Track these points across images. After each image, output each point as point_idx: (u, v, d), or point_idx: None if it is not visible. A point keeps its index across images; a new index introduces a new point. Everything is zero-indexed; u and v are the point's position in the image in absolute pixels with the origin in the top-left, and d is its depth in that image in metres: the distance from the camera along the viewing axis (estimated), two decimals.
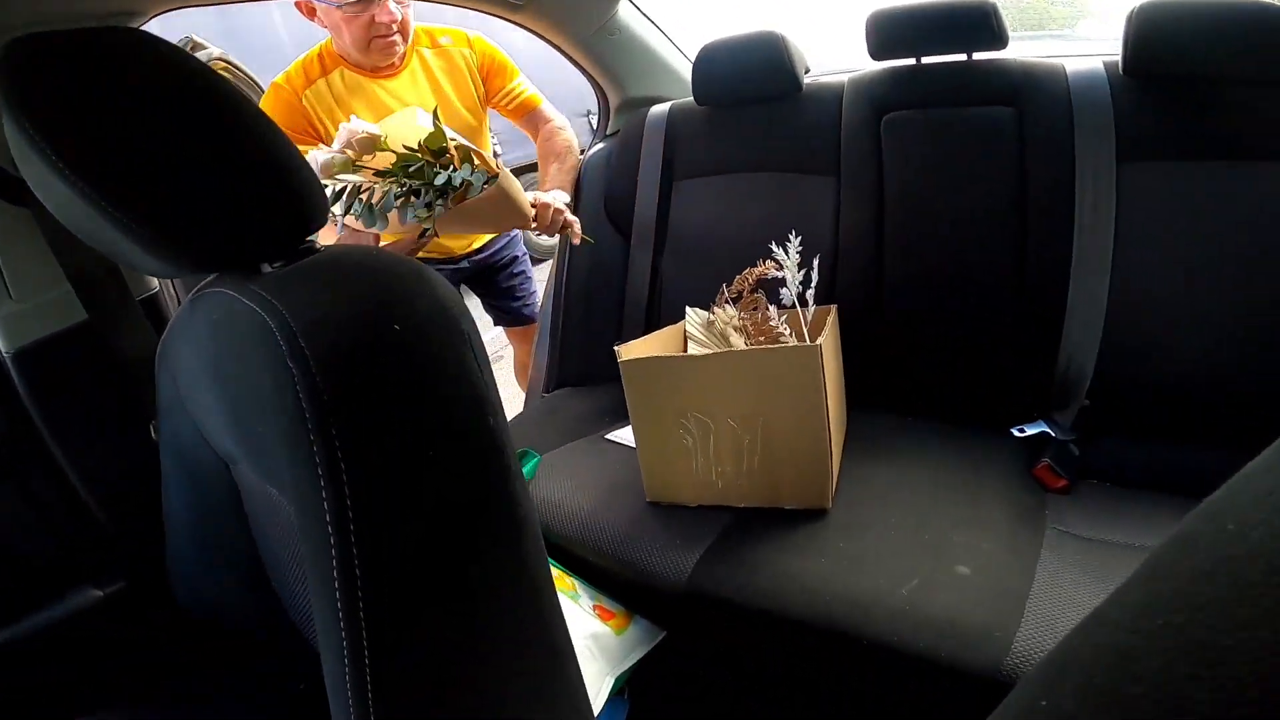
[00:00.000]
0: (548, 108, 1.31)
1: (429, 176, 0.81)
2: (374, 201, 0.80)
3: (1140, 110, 0.90)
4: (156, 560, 0.62)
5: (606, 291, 1.28)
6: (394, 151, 0.82)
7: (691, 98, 1.25)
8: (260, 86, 1.45)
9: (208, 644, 0.63)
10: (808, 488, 0.79)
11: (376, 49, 1.11)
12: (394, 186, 0.80)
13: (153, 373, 0.55)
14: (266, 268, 0.42)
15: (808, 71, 1.18)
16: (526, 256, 1.60)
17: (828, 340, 0.79)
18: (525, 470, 0.95)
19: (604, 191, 1.30)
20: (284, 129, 1.13)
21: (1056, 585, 0.66)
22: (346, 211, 0.80)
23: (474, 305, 1.58)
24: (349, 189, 0.80)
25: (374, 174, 0.81)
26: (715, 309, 0.94)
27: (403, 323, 0.37)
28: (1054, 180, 0.93)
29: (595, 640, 0.76)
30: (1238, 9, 0.82)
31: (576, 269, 1.30)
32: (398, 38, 1.12)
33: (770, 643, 0.72)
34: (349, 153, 0.83)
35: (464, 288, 1.58)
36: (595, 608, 0.80)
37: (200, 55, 1.09)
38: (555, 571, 0.82)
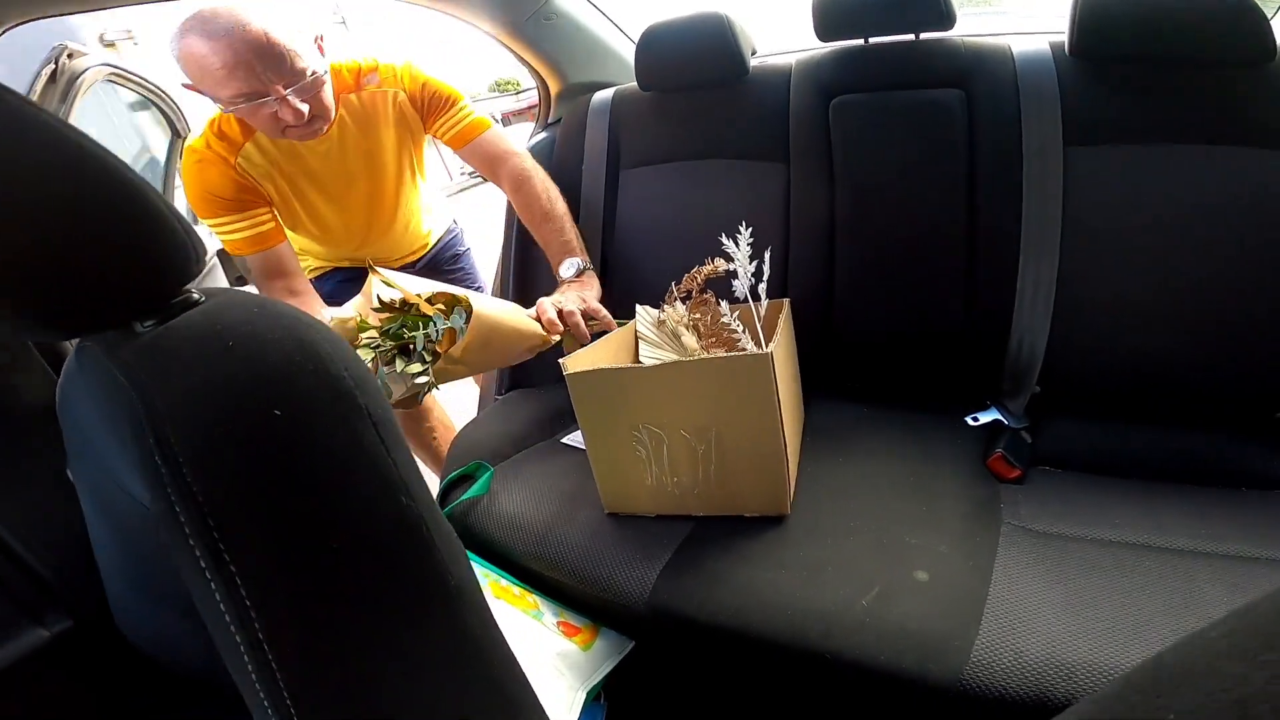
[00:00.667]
0: (496, 135, 1.14)
1: (411, 331, 0.85)
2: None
3: (1086, 93, 0.90)
4: (99, 598, 0.60)
5: (554, 287, 1.23)
6: (372, 326, 0.85)
7: (635, 83, 1.20)
8: (160, 91, 1.35)
9: (158, 684, 0.61)
10: (765, 495, 0.77)
11: (292, 136, 0.99)
12: (379, 355, 0.83)
13: (55, 415, 0.52)
14: (139, 326, 0.38)
15: (754, 53, 1.15)
16: (469, 252, 1.54)
17: (781, 340, 0.77)
18: (477, 485, 0.91)
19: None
20: (225, 198, 1.01)
21: (1012, 587, 0.66)
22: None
23: None
24: None
25: (360, 347, 0.84)
26: (665, 307, 0.91)
27: (284, 404, 0.33)
28: (1002, 164, 0.92)
29: (563, 659, 0.75)
30: None
31: (521, 265, 1.24)
32: (317, 122, 0.98)
33: (735, 658, 0.71)
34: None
35: None
36: (560, 624, 0.78)
37: (80, 64, 1.00)
38: (516, 590, 0.80)
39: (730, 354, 0.74)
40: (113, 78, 1.14)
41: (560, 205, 1.12)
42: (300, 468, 0.32)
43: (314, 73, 0.93)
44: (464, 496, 0.90)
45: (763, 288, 0.82)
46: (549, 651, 0.74)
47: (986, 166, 0.94)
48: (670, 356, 0.88)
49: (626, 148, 1.21)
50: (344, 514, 0.33)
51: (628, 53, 1.37)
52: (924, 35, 1.00)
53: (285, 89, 0.91)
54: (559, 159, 1.25)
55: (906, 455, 0.87)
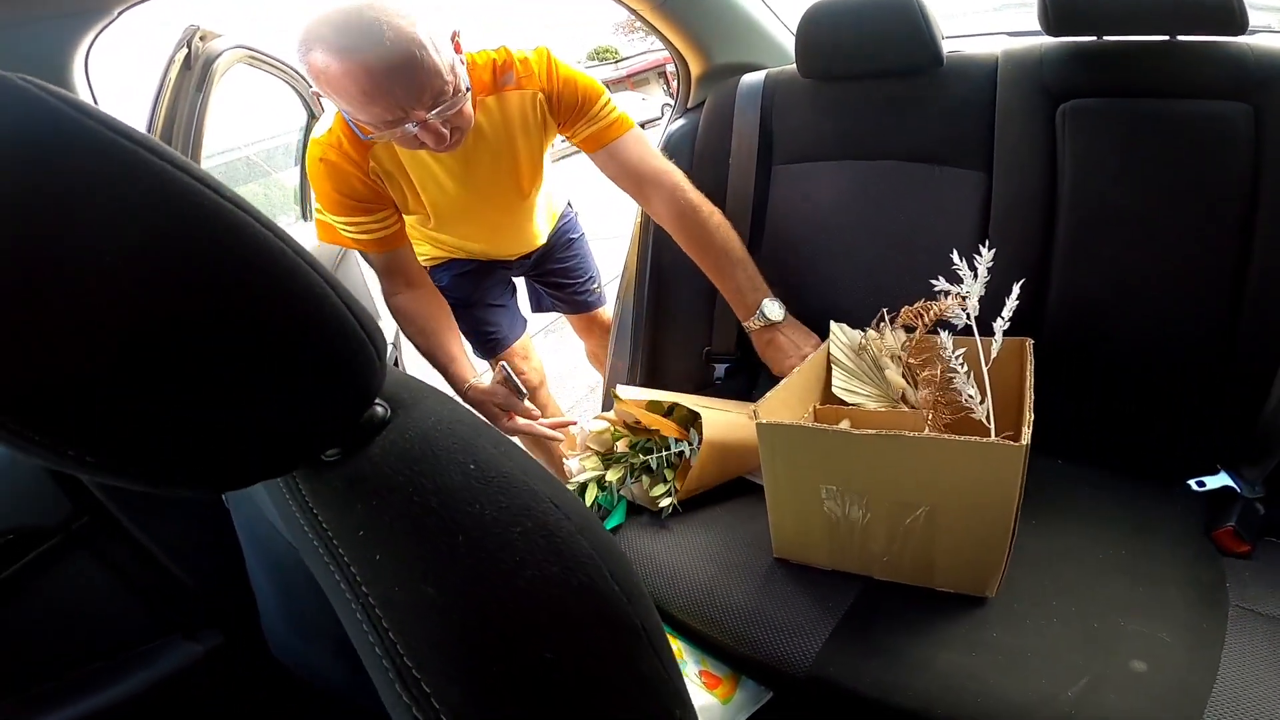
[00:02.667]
0: (640, 143, 1.03)
1: (654, 449, 0.93)
2: (614, 484, 0.93)
3: None
4: (249, 615, 0.63)
5: (694, 293, 1.19)
6: (624, 435, 0.95)
7: (791, 66, 1.11)
8: (295, 73, 1.35)
9: (305, 701, 0.64)
10: (971, 577, 0.73)
11: (430, 150, 0.93)
12: (626, 469, 0.93)
13: None
14: (323, 455, 0.33)
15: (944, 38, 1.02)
16: (584, 237, 1.52)
17: (1029, 405, 0.70)
18: (614, 515, 0.91)
19: (689, 171, 1.17)
20: (355, 200, 1.02)
21: (1242, 680, 0.61)
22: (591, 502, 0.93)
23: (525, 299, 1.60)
24: (590, 483, 0.93)
25: (602, 462, 0.94)
26: (869, 331, 0.87)
27: (556, 646, 0.27)
28: None
29: (701, 713, 0.75)
30: None
31: (658, 265, 1.21)
32: (456, 135, 0.91)
33: None
34: (591, 447, 0.95)
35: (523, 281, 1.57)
36: (701, 674, 0.79)
37: (215, 46, 1.00)
38: None
39: (974, 439, 0.66)
40: (250, 60, 1.14)
41: (737, 239, 1.05)
42: None
43: (457, 90, 0.85)
44: (606, 527, 0.90)
45: (1000, 324, 0.75)
46: None
47: (1273, 199, 0.80)
48: (869, 392, 0.84)
49: (781, 140, 1.13)
50: None
51: (779, 33, 1.28)
52: (1185, 37, 0.85)
53: (427, 113, 0.83)
54: (701, 148, 1.19)
55: (1118, 523, 0.80)
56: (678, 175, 1.04)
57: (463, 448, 0.33)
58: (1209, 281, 0.84)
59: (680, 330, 1.22)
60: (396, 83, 0.79)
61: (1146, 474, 0.86)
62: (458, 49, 0.88)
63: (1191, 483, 0.83)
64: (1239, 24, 0.79)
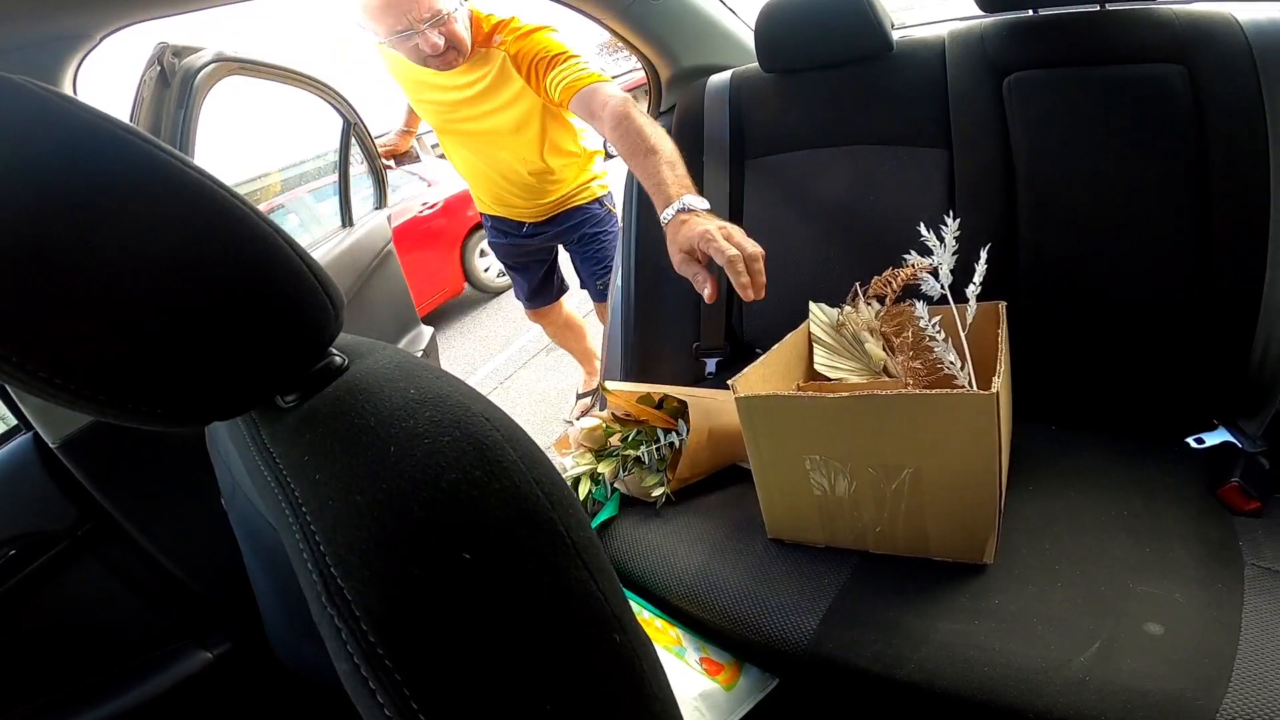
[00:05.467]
0: (605, 85, 1.16)
1: (644, 441, 0.94)
2: (608, 479, 0.95)
3: None
4: (256, 621, 0.63)
5: (679, 290, 1.21)
6: (617, 430, 0.96)
7: (754, 64, 1.16)
8: (308, 78, 1.49)
9: (312, 704, 0.64)
10: (964, 542, 0.72)
11: (433, 65, 1.31)
12: (618, 463, 0.94)
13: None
14: (281, 400, 0.35)
15: (893, 26, 1.07)
16: (614, 236, 1.67)
17: (1003, 366, 0.70)
18: (607, 507, 0.91)
19: None
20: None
21: (1269, 639, 0.59)
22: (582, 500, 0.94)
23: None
24: (582, 477, 0.94)
25: (595, 457, 0.96)
26: (846, 308, 0.88)
27: (473, 544, 0.28)
28: (1242, 151, 0.82)
29: (704, 699, 0.74)
30: None
31: (646, 262, 1.24)
32: (450, 54, 1.28)
33: (912, 715, 0.67)
34: (585, 445, 0.97)
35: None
36: (702, 660, 0.78)
37: (195, 60, 1.02)
38: (659, 623, 0.80)
39: (944, 391, 0.67)
40: (244, 71, 1.15)
41: (668, 143, 1.00)
42: (503, 625, 0.28)
43: (445, 13, 1.22)
44: (594, 523, 0.89)
45: (973, 290, 0.75)
46: (691, 693, 0.74)
47: (1222, 152, 0.84)
48: (851, 366, 0.84)
49: (751, 135, 1.17)
50: (557, 670, 0.29)
51: (741, 32, 1.34)
52: (1113, 5, 0.91)
53: (423, 25, 1.21)
54: (676, 144, 1.20)
55: (1118, 485, 0.79)
56: (623, 97, 1.11)
57: (405, 377, 0.35)
58: (1172, 236, 0.86)
59: (669, 328, 1.24)
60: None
61: (1142, 434, 0.85)
62: None
63: (1190, 440, 0.82)
64: None
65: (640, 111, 1.07)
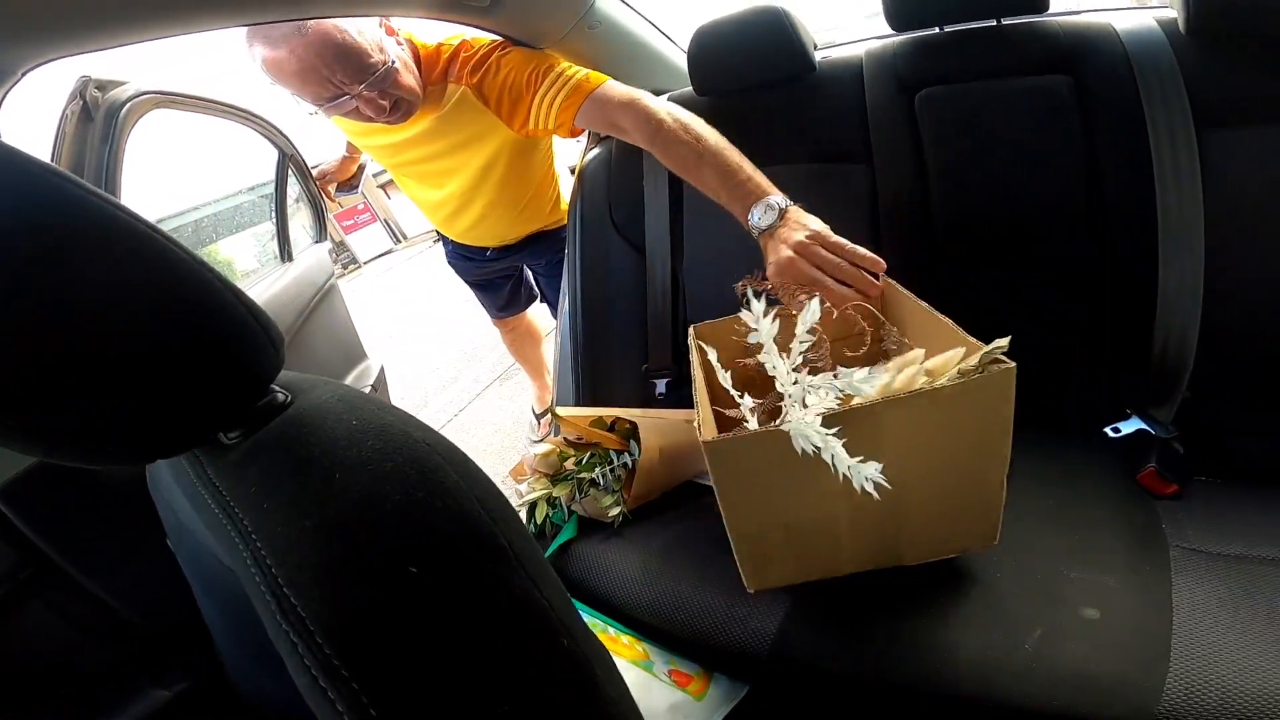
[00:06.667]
0: (606, 89, 1.00)
1: (598, 463, 0.94)
2: (565, 502, 0.95)
3: (1211, 73, 0.86)
4: (215, 657, 0.63)
5: (627, 310, 1.23)
6: (570, 454, 0.95)
7: (689, 88, 1.20)
8: (238, 109, 1.39)
9: None
10: (975, 528, 0.69)
11: (382, 123, 1.05)
12: (573, 486, 0.94)
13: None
14: (224, 437, 0.36)
15: (815, 47, 1.13)
16: None
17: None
18: (566, 529, 0.91)
19: (608, 200, 1.24)
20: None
21: (1201, 617, 0.63)
22: (540, 524, 0.94)
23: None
24: (539, 501, 0.94)
25: (550, 482, 0.95)
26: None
27: (418, 559, 0.30)
28: (1128, 152, 0.88)
29: (675, 710, 0.75)
30: None
31: (591, 289, 1.24)
32: (401, 109, 1.03)
33: (875, 710, 0.68)
34: (539, 470, 0.95)
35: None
36: (671, 673, 0.79)
37: (119, 94, 1.00)
38: (625, 639, 0.81)
39: (967, 379, 0.59)
40: (170, 104, 1.13)
41: (715, 138, 0.92)
42: (452, 637, 0.29)
43: (385, 64, 0.94)
44: (553, 546, 0.90)
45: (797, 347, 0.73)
46: (662, 705, 0.74)
47: (1110, 157, 0.90)
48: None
49: None
50: (509, 675, 0.30)
51: (675, 57, 1.38)
52: (1007, 21, 0.98)
53: (359, 86, 0.93)
54: (616, 174, 1.24)
55: (1044, 478, 0.83)
56: (644, 100, 0.99)
57: (348, 410, 0.36)
58: (1073, 238, 0.93)
59: (618, 351, 1.25)
60: (321, 60, 0.89)
61: (1063, 427, 0.90)
62: (389, 31, 0.99)
63: (1108, 430, 0.88)
64: (1041, 3, 0.93)
65: (667, 110, 0.96)
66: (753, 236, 0.88)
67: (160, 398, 0.32)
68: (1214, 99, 0.85)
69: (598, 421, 0.96)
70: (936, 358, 0.63)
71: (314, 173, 1.73)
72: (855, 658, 0.67)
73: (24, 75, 0.77)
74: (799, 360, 0.65)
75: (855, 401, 0.59)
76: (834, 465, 0.55)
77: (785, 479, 0.62)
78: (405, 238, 8.17)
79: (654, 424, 0.93)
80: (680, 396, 1.20)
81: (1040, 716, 0.59)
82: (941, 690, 0.63)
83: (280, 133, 1.57)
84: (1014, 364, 0.58)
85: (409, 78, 1.01)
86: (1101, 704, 0.58)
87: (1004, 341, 0.58)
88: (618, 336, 1.24)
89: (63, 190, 0.31)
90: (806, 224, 0.82)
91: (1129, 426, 0.87)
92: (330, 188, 1.74)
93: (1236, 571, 0.67)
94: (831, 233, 0.81)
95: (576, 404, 1.22)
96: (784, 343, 0.65)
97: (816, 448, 0.55)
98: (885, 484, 0.54)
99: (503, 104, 1.07)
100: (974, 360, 0.59)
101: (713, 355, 0.76)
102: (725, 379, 0.70)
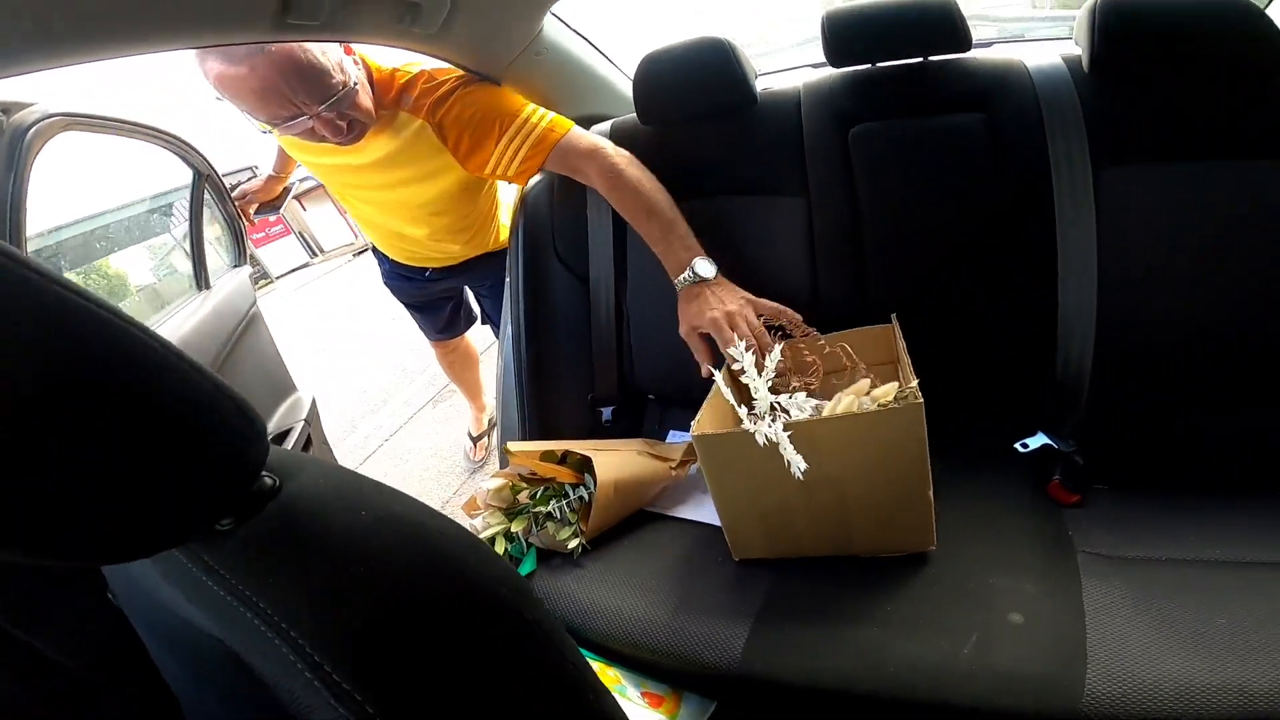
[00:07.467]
0: (565, 146, 1.07)
1: (553, 497, 0.95)
2: (521, 534, 0.95)
3: (1109, 111, 0.94)
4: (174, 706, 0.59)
5: (571, 340, 1.23)
6: (524, 487, 0.96)
7: (632, 114, 1.21)
8: (153, 129, 1.31)
9: None
10: (910, 534, 0.82)
11: (334, 143, 1.05)
12: (530, 519, 0.94)
13: None
14: (218, 525, 0.36)
15: (755, 76, 1.16)
16: None
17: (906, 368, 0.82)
18: (525, 563, 0.91)
19: (551, 229, 1.24)
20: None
21: (1108, 617, 0.70)
22: (502, 553, 0.94)
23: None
24: (496, 536, 0.94)
25: (505, 516, 0.95)
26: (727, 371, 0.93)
27: (448, 645, 0.32)
28: (1032, 187, 0.96)
29: None
30: (1203, 3, 0.86)
31: (534, 319, 1.24)
32: (356, 130, 1.04)
33: (836, 716, 0.73)
34: (493, 504, 0.95)
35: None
36: (644, 695, 0.81)
37: (25, 117, 0.93)
38: (596, 665, 0.82)
39: (880, 409, 0.77)
40: (76, 126, 1.05)
41: (663, 196, 1.04)
42: (491, 712, 0.32)
43: (346, 85, 0.96)
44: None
45: (765, 380, 0.84)
46: None
47: (1017, 191, 0.97)
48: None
49: None
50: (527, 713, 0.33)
51: (621, 83, 1.40)
52: (934, 58, 1.04)
53: (319, 106, 0.94)
54: (559, 204, 1.24)
55: (967, 493, 0.90)
56: (608, 150, 1.08)
57: (353, 495, 0.38)
58: (987, 269, 1.00)
59: (563, 380, 1.24)
60: (283, 79, 0.89)
61: (982, 445, 0.97)
62: (348, 51, 1.00)
63: (1017, 445, 0.96)
64: (963, 41, 0.98)
65: (627, 161, 1.06)
66: (675, 284, 1.02)
67: (159, 494, 0.32)
68: (1110, 137, 0.93)
69: (549, 455, 0.97)
70: (880, 388, 0.81)
71: (234, 192, 1.64)
72: (816, 671, 0.71)
73: None
74: (768, 383, 0.83)
75: (797, 417, 0.79)
76: (783, 452, 0.74)
77: (754, 470, 0.78)
78: (322, 251, 7.78)
79: (608, 458, 0.94)
80: (625, 426, 1.22)
81: (986, 715, 0.65)
82: (901, 696, 0.68)
83: (196, 151, 1.48)
84: (921, 400, 0.73)
85: (366, 100, 1.03)
86: (1036, 701, 0.64)
87: (914, 383, 0.75)
88: (563, 366, 1.24)
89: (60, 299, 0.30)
90: (734, 294, 1.00)
91: (1036, 442, 0.95)
92: (250, 208, 1.65)
93: (1138, 573, 0.75)
94: (752, 309, 0.98)
95: (523, 433, 1.21)
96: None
97: (771, 441, 0.74)
98: (803, 469, 0.74)
99: (461, 145, 1.09)
100: (891, 395, 0.78)
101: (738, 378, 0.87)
102: (729, 394, 0.83)
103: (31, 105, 0.89)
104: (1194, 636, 0.65)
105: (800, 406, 0.81)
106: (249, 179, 1.69)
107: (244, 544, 0.35)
